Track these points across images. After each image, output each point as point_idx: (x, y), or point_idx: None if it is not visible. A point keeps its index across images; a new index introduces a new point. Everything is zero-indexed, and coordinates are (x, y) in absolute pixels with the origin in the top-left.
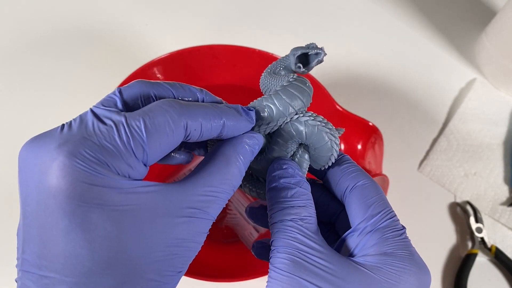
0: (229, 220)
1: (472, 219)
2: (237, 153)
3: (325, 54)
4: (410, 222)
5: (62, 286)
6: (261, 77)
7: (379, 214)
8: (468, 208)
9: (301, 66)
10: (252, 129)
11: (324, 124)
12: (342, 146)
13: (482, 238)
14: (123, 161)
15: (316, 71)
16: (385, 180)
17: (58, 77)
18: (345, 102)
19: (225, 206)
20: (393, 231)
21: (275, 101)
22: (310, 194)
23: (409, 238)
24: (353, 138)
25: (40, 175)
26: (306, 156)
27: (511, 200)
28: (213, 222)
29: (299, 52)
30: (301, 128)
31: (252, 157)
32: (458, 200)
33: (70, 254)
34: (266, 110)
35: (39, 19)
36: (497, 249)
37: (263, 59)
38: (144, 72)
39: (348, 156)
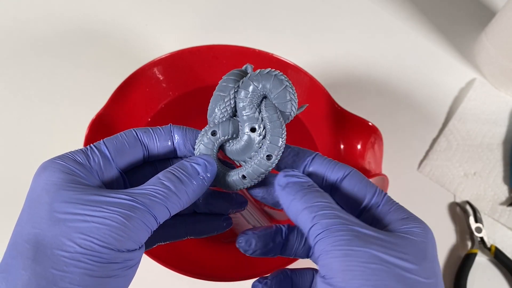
0: None
1: (471, 219)
2: (170, 167)
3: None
4: None
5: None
6: None
7: (377, 192)
8: (468, 208)
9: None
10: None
11: (286, 80)
12: (342, 146)
13: (481, 238)
14: (87, 155)
15: (316, 71)
16: (384, 180)
17: (58, 78)
18: (345, 102)
19: None
20: (394, 202)
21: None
22: None
23: None
24: (353, 138)
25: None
26: (270, 103)
27: (511, 200)
28: None
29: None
30: (270, 79)
31: (199, 170)
32: (458, 200)
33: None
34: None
35: (39, 19)
36: (497, 249)
37: (263, 59)
38: (144, 72)
39: (312, 151)
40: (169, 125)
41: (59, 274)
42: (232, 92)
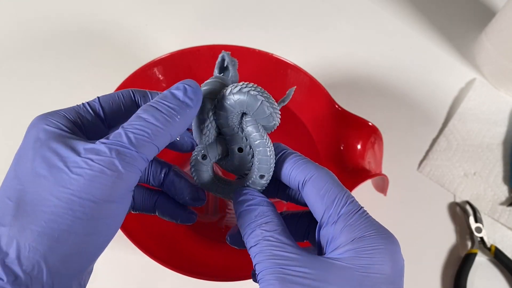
0: (228, 220)
1: (471, 219)
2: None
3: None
4: (410, 222)
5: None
6: None
7: (335, 203)
8: (468, 208)
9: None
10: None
11: (261, 94)
12: (342, 146)
13: (481, 238)
14: (79, 114)
15: (316, 71)
16: (384, 180)
17: (58, 77)
18: (345, 102)
19: (225, 206)
20: (354, 214)
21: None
22: (274, 208)
23: (368, 213)
24: (353, 138)
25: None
26: (250, 120)
27: (511, 200)
28: (213, 222)
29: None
30: (243, 97)
31: (180, 96)
32: (458, 200)
33: None
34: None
35: (39, 19)
36: (497, 249)
37: (263, 59)
38: (144, 72)
39: (284, 145)
40: (167, 90)
41: (37, 230)
42: (210, 114)
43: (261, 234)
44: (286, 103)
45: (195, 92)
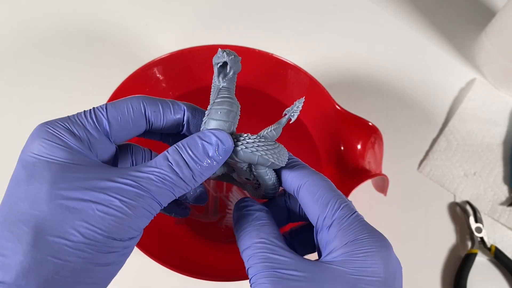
0: (229, 220)
1: (471, 219)
2: (179, 141)
3: (233, 60)
4: (410, 222)
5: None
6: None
7: (329, 207)
8: (468, 208)
9: (221, 79)
10: None
11: (267, 150)
12: (342, 146)
13: (481, 238)
14: (87, 131)
15: (316, 71)
16: (385, 180)
17: (58, 78)
18: (345, 102)
19: (225, 206)
20: (348, 218)
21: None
22: (271, 216)
23: (361, 215)
24: (353, 138)
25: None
26: (259, 167)
27: (511, 200)
28: (213, 222)
29: (219, 62)
30: (251, 156)
31: (210, 152)
32: (458, 200)
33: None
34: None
35: (39, 19)
36: (497, 249)
37: (263, 59)
38: (144, 72)
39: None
40: (181, 103)
41: (60, 263)
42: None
43: (256, 236)
44: (294, 119)
45: (225, 151)
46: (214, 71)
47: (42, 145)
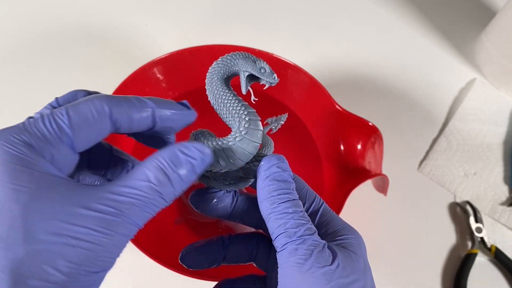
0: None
1: (472, 219)
2: (158, 155)
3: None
4: (410, 222)
5: None
6: (208, 79)
7: (314, 202)
8: (468, 208)
9: (252, 92)
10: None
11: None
12: (342, 146)
13: (482, 238)
14: (48, 144)
15: (316, 71)
16: (385, 180)
17: (58, 78)
18: (345, 102)
19: None
20: (328, 210)
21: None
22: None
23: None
24: (353, 138)
25: None
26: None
27: (511, 200)
28: (212, 222)
29: (249, 72)
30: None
31: (192, 167)
32: (458, 200)
33: None
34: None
35: (39, 19)
36: (497, 249)
37: (263, 59)
38: (144, 72)
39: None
40: (146, 99)
41: None
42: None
43: (300, 207)
44: (274, 131)
45: (204, 165)
46: (244, 82)
47: (3, 170)
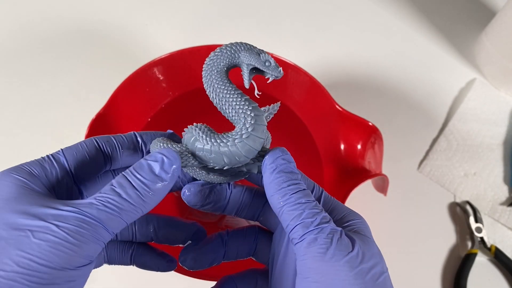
0: (229, 220)
1: (471, 219)
2: (128, 168)
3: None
4: (410, 222)
5: None
6: (206, 72)
7: (315, 190)
8: (468, 208)
9: (255, 86)
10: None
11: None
12: (342, 146)
13: (481, 238)
14: (44, 168)
15: (316, 71)
16: (385, 180)
17: (58, 78)
18: (345, 102)
19: None
20: (330, 197)
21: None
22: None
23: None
24: (353, 138)
25: None
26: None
27: (511, 200)
28: (213, 222)
29: (253, 66)
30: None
31: (156, 170)
32: (458, 200)
33: None
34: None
35: (39, 19)
36: (497, 249)
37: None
38: (144, 72)
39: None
40: (132, 132)
41: None
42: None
43: (310, 196)
44: (269, 119)
45: (171, 166)
46: (247, 76)
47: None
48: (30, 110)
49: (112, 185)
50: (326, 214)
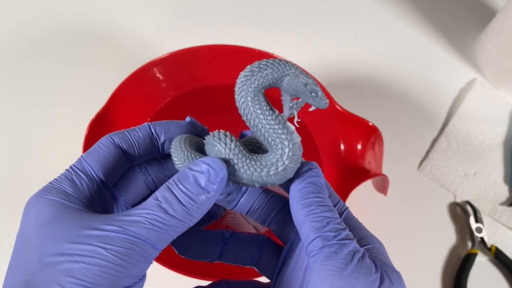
0: (229, 220)
1: (472, 219)
2: (171, 178)
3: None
4: (410, 222)
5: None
6: (240, 89)
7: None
8: (468, 208)
9: (296, 116)
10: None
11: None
12: (342, 146)
13: (482, 238)
14: (73, 181)
15: (316, 71)
16: (385, 180)
17: (58, 78)
18: (345, 102)
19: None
20: (350, 216)
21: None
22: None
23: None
24: (353, 138)
25: None
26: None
27: (511, 200)
28: (216, 221)
29: (297, 96)
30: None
31: (202, 182)
32: (458, 200)
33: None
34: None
35: (38, 19)
36: (497, 249)
37: (263, 59)
38: (144, 72)
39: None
40: (146, 124)
41: None
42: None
43: (335, 213)
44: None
45: (217, 177)
46: (288, 104)
47: (31, 210)
48: (30, 110)
49: (158, 199)
50: (351, 233)
